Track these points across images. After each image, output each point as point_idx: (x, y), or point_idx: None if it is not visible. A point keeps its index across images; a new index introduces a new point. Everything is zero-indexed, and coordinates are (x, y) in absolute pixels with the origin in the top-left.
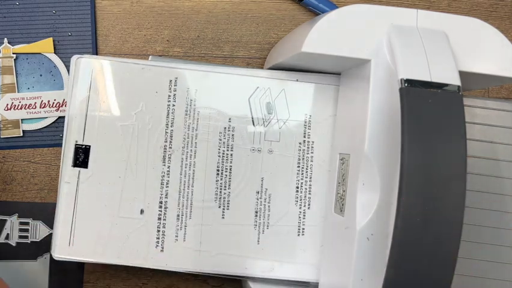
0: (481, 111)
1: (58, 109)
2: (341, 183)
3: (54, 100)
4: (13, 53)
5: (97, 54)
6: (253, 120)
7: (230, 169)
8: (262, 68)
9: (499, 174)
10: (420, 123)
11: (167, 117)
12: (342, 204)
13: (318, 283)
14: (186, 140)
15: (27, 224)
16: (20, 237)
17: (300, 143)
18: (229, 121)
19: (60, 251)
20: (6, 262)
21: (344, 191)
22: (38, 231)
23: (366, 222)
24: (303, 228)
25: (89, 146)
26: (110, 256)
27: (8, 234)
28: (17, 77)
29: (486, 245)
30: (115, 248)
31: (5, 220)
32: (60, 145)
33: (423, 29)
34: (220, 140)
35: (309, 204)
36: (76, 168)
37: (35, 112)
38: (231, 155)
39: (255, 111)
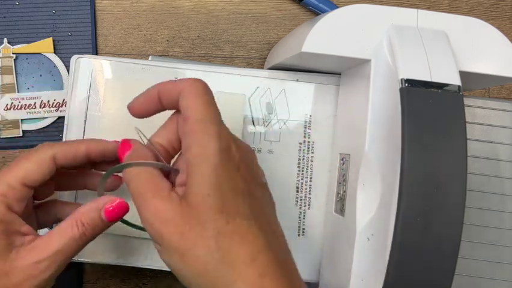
0: (481, 111)
1: (58, 109)
2: (341, 184)
3: (54, 100)
4: (13, 53)
5: (97, 54)
6: (253, 120)
7: None
8: (262, 68)
9: (499, 174)
10: (421, 123)
11: None
12: (343, 205)
13: (318, 283)
14: None
15: None
16: None
17: (300, 143)
18: None
19: None
20: None
21: (344, 191)
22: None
23: (367, 223)
24: (303, 229)
25: None
26: (110, 256)
27: None
28: (16, 77)
29: (486, 245)
30: (115, 248)
31: None
32: None
33: (424, 29)
34: None
35: (309, 205)
36: None
37: (34, 112)
38: None
39: (255, 111)
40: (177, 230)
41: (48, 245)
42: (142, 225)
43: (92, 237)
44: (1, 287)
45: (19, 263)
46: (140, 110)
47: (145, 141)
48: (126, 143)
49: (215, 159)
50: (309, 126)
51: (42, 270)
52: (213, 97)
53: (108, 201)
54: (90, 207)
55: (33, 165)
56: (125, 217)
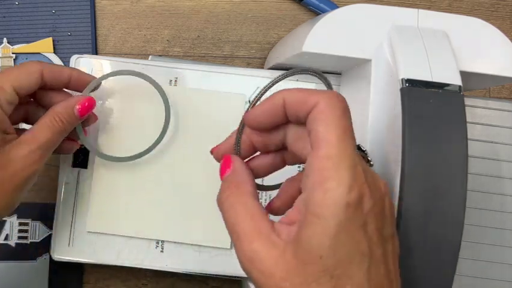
0: (482, 111)
1: None
2: None
3: None
4: (13, 53)
5: (96, 54)
6: None
7: None
8: (262, 68)
9: (500, 174)
10: (421, 123)
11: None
12: None
13: None
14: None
15: (26, 224)
16: (20, 237)
17: None
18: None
19: (60, 252)
20: (5, 263)
21: None
22: (38, 231)
23: None
24: None
25: None
26: (110, 257)
27: (7, 234)
28: None
29: (486, 245)
30: (115, 248)
31: (5, 221)
32: None
33: (424, 28)
34: None
35: None
36: (75, 168)
37: None
38: None
39: None
40: (275, 282)
41: (37, 137)
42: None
43: (67, 132)
44: None
45: (15, 155)
46: (260, 121)
47: None
48: (227, 160)
49: (340, 217)
50: None
51: (35, 160)
52: (351, 122)
53: (79, 100)
54: (66, 106)
55: (23, 74)
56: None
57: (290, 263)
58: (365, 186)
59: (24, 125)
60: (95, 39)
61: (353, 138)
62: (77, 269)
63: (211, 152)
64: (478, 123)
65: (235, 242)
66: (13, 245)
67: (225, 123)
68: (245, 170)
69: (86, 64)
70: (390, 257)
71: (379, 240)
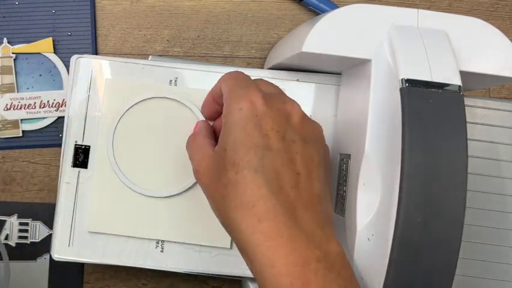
0: (482, 111)
1: (58, 109)
2: (341, 184)
3: (54, 100)
4: (13, 53)
5: (96, 54)
6: None
7: None
8: (262, 68)
9: (500, 174)
10: (421, 123)
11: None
12: (343, 205)
13: None
14: None
15: (26, 224)
16: (20, 237)
17: None
18: None
19: (60, 252)
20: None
21: (344, 192)
22: (38, 231)
23: (367, 223)
24: None
25: (89, 146)
26: (110, 257)
27: (7, 234)
28: (16, 76)
29: (486, 245)
30: (115, 248)
31: (5, 220)
32: (59, 145)
33: (424, 28)
34: None
35: None
36: (75, 168)
37: (34, 112)
38: None
39: None
40: (205, 179)
41: None
42: None
43: None
44: None
45: None
46: (205, 114)
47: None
48: (196, 124)
49: (235, 119)
50: None
51: None
52: (242, 76)
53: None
54: None
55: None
56: None
57: (212, 161)
58: (256, 97)
59: None
60: (95, 39)
61: (242, 80)
62: (77, 269)
63: None
64: (478, 123)
65: (192, 162)
66: (13, 245)
67: None
68: (204, 124)
69: (86, 64)
70: (297, 157)
71: (277, 138)
